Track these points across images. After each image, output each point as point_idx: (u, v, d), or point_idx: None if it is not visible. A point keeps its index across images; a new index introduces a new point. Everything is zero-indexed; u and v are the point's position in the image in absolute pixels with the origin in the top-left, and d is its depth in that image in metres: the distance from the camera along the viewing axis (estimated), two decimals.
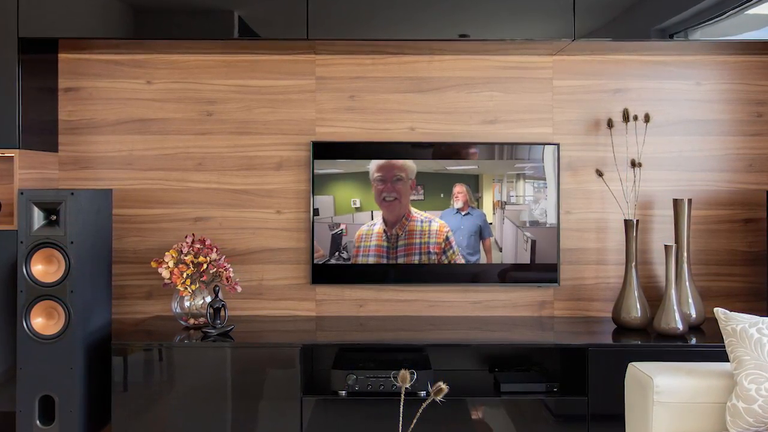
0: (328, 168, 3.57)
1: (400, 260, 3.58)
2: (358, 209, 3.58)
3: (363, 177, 3.58)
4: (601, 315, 3.67)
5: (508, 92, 3.66)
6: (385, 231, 3.58)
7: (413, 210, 3.57)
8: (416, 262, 3.59)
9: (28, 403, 3.12)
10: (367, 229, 3.58)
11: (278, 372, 3.13)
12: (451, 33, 3.28)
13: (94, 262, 3.31)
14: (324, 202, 3.57)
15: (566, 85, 3.66)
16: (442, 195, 3.57)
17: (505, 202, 3.57)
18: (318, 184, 3.57)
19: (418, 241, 3.53)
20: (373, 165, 3.57)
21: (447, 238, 3.54)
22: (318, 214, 3.57)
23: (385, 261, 3.58)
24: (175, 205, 3.68)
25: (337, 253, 3.58)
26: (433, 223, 3.57)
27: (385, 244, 3.55)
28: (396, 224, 3.57)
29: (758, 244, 3.66)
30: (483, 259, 3.58)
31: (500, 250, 3.58)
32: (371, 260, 3.59)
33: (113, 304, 3.62)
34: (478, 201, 3.57)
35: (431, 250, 3.56)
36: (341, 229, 3.58)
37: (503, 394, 3.19)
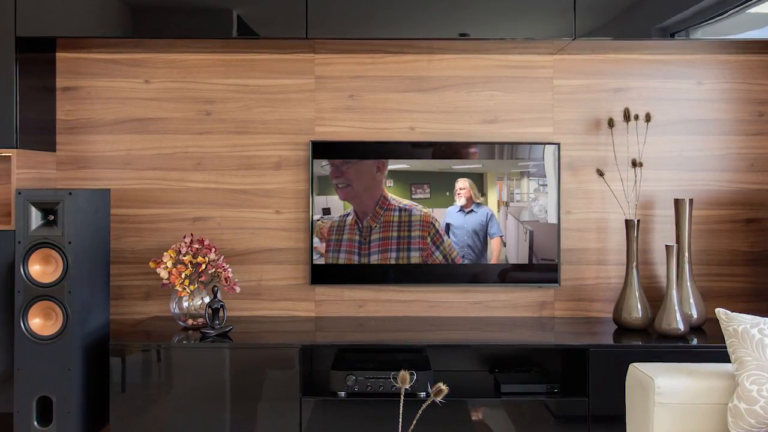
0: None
1: (373, 258, 3.48)
2: None
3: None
4: (602, 315, 3.66)
5: (509, 91, 3.65)
6: (357, 222, 3.45)
7: (391, 196, 3.39)
8: (392, 259, 3.52)
9: (25, 404, 3.10)
10: (339, 220, 3.51)
11: (277, 373, 3.11)
12: (450, 32, 3.27)
13: (92, 263, 3.29)
14: (334, 201, 3.56)
15: (567, 85, 3.65)
16: (447, 193, 3.55)
17: (509, 201, 3.55)
18: (328, 184, 3.56)
19: (395, 234, 3.44)
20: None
21: (436, 232, 3.44)
22: (330, 213, 3.56)
23: (356, 259, 3.49)
24: (174, 205, 3.66)
25: None
26: (415, 212, 3.41)
27: (356, 237, 3.46)
28: (368, 214, 3.44)
29: (760, 245, 3.64)
30: (489, 261, 3.55)
31: (504, 245, 3.55)
32: (342, 257, 3.51)
33: (111, 304, 3.61)
34: (485, 197, 3.54)
35: (413, 246, 3.46)
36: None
37: (503, 395, 3.18)
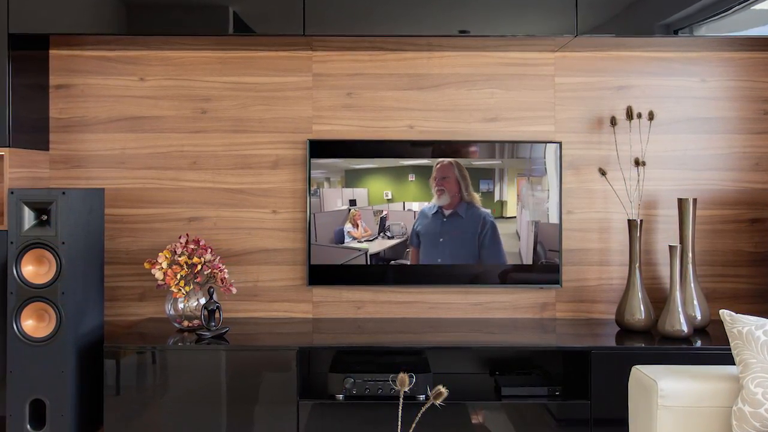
0: (363, 163, 3.54)
1: None
2: (390, 200, 3.55)
3: (395, 171, 3.54)
4: (604, 317, 3.63)
5: (509, 89, 3.62)
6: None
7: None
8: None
9: (18, 408, 3.07)
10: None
11: (274, 375, 3.09)
12: (450, 29, 3.25)
13: (85, 263, 3.26)
14: (359, 194, 3.55)
15: (568, 82, 3.62)
16: None
17: (527, 199, 3.52)
18: (353, 178, 3.54)
19: None
20: None
21: None
22: (355, 205, 3.54)
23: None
24: (169, 204, 3.63)
25: (382, 233, 3.53)
26: None
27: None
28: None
29: (764, 245, 3.61)
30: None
31: (518, 238, 3.51)
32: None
33: (105, 305, 3.58)
34: (499, 195, 3.47)
35: None
36: (385, 214, 3.54)
37: (504, 398, 3.16)
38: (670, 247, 3.26)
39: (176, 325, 3.37)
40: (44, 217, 3.10)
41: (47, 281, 3.08)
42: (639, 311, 3.32)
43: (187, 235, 3.41)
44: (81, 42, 3.45)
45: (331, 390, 3.12)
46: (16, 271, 3.06)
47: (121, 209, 3.62)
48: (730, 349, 2.42)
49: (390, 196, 3.56)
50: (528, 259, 3.54)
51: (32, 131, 3.45)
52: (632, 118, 3.52)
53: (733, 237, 3.63)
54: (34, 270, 3.10)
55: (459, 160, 3.49)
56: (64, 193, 3.09)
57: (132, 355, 3.09)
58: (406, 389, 2.00)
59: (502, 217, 3.53)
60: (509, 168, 3.53)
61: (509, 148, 3.55)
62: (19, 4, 3.19)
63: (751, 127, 3.61)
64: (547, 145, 3.55)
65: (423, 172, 3.54)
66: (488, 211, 3.47)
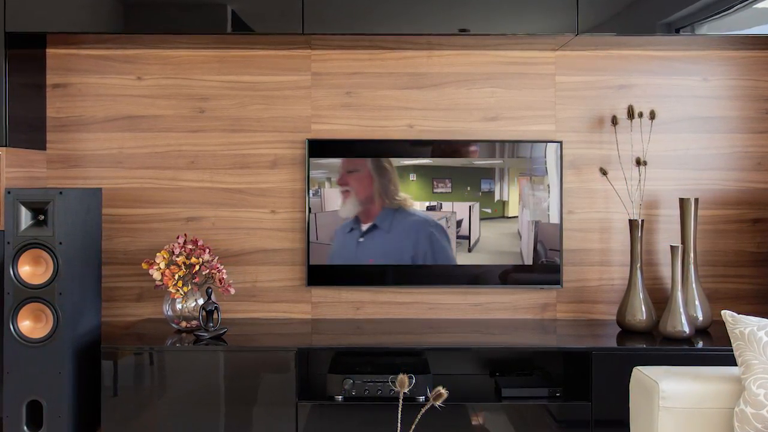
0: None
1: None
2: None
3: (400, 171, 3.51)
4: (605, 318, 3.61)
5: (510, 88, 3.60)
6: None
7: None
8: None
9: (15, 409, 3.06)
10: None
11: (273, 376, 3.07)
12: (450, 27, 3.24)
13: (83, 264, 3.24)
14: None
15: (569, 81, 3.60)
16: (468, 188, 3.50)
17: (528, 199, 3.50)
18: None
19: None
20: None
21: None
22: None
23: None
24: (167, 204, 3.61)
25: None
26: None
27: None
28: None
29: (767, 245, 3.60)
30: None
31: (519, 238, 3.49)
32: None
33: (103, 306, 3.56)
34: (499, 195, 3.46)
35: None
36: None
37: (504, 399, 3.14)
38: (672, 247, 3.24)
39: (174, 325, 3.35)
40: (41, 217, 3.08)
41: (44, 282, 3.06)
42: (640, 312, 3.30)
43: (185, 235, 3.40)
44: (78, 41, 3.44)
45: (330, 391, 3.10)
46: (13, 272, 3.05)
47: (119, 209, 3.60)
48: (731, 350, 2.41)
49: None
50: (528, 259, 3.53)
51: (29, 130, 3.43)
52: (633, 118, 3.50)
53: (735, 237, 3.61)
54: (31, 270, 3.08)
55: (391, 159, 3.44)
56: (61, 192, 3.07)
57: (129, 356, 3.08)
58: (406, 390, 1.99)
59: (504, 217, 3.51)
60: (510, 168, 3.52)
61: (510, 147, 3.53)
62: (16, 3, 3.18)
63: (753, 127, 3.60)
64: (548, 144, 3.53)
65: (424, 172, 3.52)
66: (427, 214, 3.37)
